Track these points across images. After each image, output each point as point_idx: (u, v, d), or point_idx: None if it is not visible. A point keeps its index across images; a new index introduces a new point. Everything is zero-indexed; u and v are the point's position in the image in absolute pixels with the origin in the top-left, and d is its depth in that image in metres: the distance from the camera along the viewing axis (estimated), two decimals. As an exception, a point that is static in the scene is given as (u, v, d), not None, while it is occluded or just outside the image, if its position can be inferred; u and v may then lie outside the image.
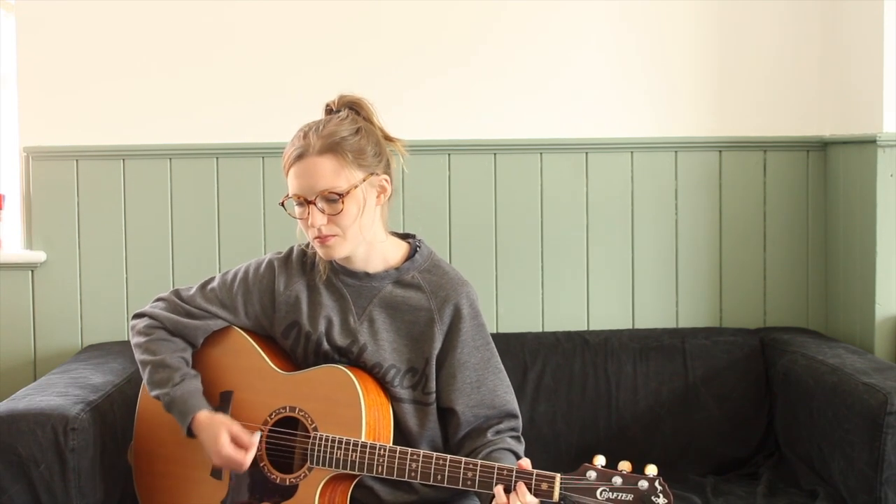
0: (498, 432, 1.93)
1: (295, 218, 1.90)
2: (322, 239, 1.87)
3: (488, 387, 1.95)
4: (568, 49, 2.74)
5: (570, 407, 2.55)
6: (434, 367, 1.94)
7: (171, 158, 2.70)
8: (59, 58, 2.68)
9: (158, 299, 2.05)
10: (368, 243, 1.94)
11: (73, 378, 2.22)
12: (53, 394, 2.07)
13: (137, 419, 2.05)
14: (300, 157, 1.86)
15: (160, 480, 2.01)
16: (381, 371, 1.94)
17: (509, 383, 1.99)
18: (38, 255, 2.68)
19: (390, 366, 1.94)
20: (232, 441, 1.88)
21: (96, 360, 2.41)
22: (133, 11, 2.68)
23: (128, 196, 2.70)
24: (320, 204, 1.85)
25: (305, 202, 1.86)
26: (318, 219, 1.85)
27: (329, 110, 1.96)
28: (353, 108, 1.94)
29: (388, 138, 1.97)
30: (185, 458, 1.97)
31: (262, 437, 1.91)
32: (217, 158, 2.71)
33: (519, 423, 1.98)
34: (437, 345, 1.94)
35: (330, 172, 1.84)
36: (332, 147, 1.85)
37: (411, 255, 1.99)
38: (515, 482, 1.72)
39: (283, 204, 1.93)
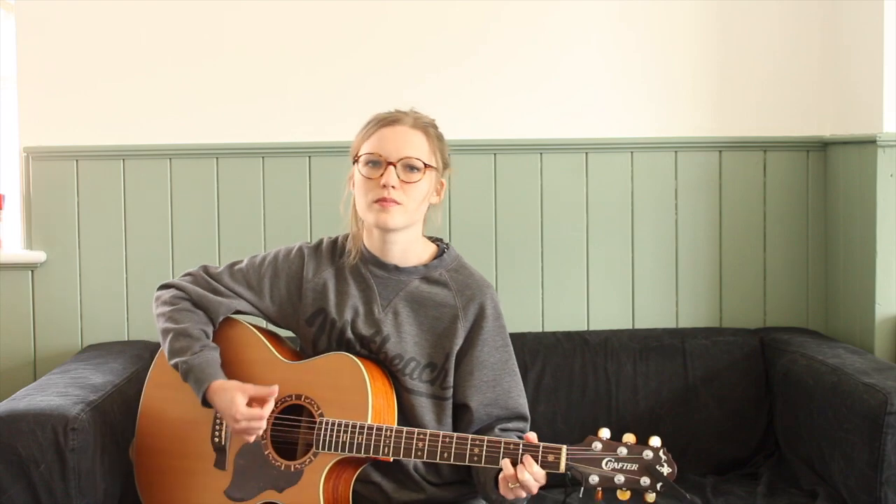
0: (504, 429, 1.96)
1: (363, 177, 1.92)
2: (385, 202, 1.90)
3: (503, 387, 1.98)
4: (568, 49, 2.74)
5: (570, 407, 2.55)
6: (453, 362, 1.97)
7: (171, 158, 2.70)
8: (59, 58, 2.68)
9: (186, 274, 2.08)
10: (411, 234, 1.99)
11: (73, 378, 2.22)
12: (53, 394, 2.08)
13: (140, 415, 2.06)
14: (394, 122, 1.95)
15: (162, 476, 2.02)
16: (402, 363, 1.97)
17: (523, 387, 2.03)
18: (38, 255, 2.68)
19: (410, 358, 1.97)
20: (249, 402, 1.88)
21: (96, 360, 2.41)
22: (133, 12, 2.68)
23: (128, 196, 2.70)
24: (399, 169, 1.91)
25: (385, 163, 1.91)
26: (394, 179, 1.90)
27: None
28: None
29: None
30: (187, 451, 1.98)
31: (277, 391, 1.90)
32: (217, 158, 2.71)
33: (527, 426, 2.00)
34: (459, 341, 1.97)
35: (420, 144, 1.94)
36: (425, 128, 1.97)
37: (439, 255, 2.04)
38: (522, 454, 1.75)
39: (355, 161, 1.96)
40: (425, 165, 1.92)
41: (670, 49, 2.75)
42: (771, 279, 2.79)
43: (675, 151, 2.76)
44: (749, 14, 2.75)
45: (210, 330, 2.00)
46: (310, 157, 2.70)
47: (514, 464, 1.75)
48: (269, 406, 1.88)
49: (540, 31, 2.73)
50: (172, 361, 1.95)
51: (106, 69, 2.69)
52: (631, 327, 2.76)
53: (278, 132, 2.71)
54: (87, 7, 2.67)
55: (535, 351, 2.58)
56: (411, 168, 1.92)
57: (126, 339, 2.69)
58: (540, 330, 2.74)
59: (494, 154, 2.74)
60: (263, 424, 1.87)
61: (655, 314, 2.77)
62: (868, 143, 2.54)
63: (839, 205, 2.70)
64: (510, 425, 1.97)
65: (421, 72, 2.71)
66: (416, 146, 1.93)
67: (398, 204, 1.91)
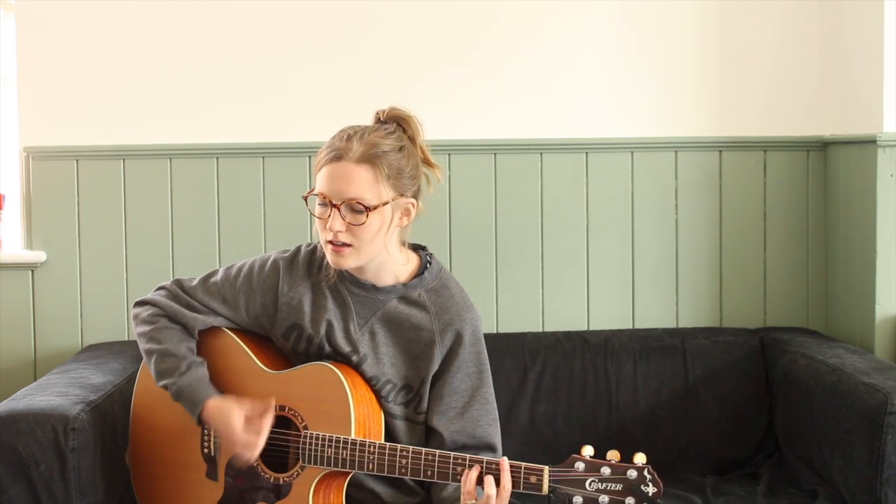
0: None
1: (314, 216, 1.88)
2: (336, 248, 1.86)
3: (472, 416, 1.94)
4: (568, 49, 2.74)
5: (570, 407, 2.55)
6: (428, 387, 1.94)
7: (171, 158, 2.70)
8: (59, 58, 2.68)
9: (160, 288, 2.05)
10: (381, 260, 1.92)
11: (73, 378, 2.22)
12: (53, 394, 2.07)
13: (132, 423, 2.06)
14: (337, 158, 1.83)
15: (157, 483, 2.02)
16: (378, 385, 1.94)
17: (496, 416, 1.98)
18: (38, 255, 2.67)
19: (387, 380, 1.94)
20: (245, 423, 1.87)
21: (96, 360, 2.41)
22: (133, 12, 2.68)
23: (128, 196, 2.70)
24: (344, 211, 1.83)
25: (330, 204, 1.83)
26: (338, 224, 1.82)
27: (377, 119, 1.94)
28: (400, 123, 1.92)
29: (427, 162, 1.95)
30: (180, 460, 1.98)
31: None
32: (217, 158, 2.71)
33: (496, 456, 1.95)
34: (435, 367, 1.94)
35: (363, 183, 1.82)
36: (372, 158, 1.83)
37: (420, 272, 1.97)
38: (498, 475, 1.73)
39: (305, 198, 1.91)
40: (367, 208, 1.82)
41: (670, 49, 2.75)
42: (771, 279, 2.79)
43: (675, 151, 2.76)
44: (749, 14, 2.75)
45: (192, 345, 1.98)
46: (310, 157, 2.70)
47: (497, 483, 1.73)
48: (268, 421, 1.86)
49: (540, 32, 2.73)
50: (161, 383, 1.93)
51: (106, 69, 2.69)
52: (631, 327, 2.76)
53: (278, 132, 2.71)
54: (87, 7, 2.67)
55: (535, 351, 2.58)
56: (356, 210, 1.82)
57: (126, 339, 2.69)
58: (540, 330, 2.73)
59: (494, 154, 2.73)
60: (261, 443, 1.85)
61: (655, 314, 2.77)
62: (868, 143, 2.54)
63: (839, 205, 2.70)
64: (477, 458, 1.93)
65: (421, 72, 2.71)
66: (360, 185, 1.81)
67: (349, 246, 1.85)
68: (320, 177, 1.86)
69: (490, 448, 1.95)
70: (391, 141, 1.86)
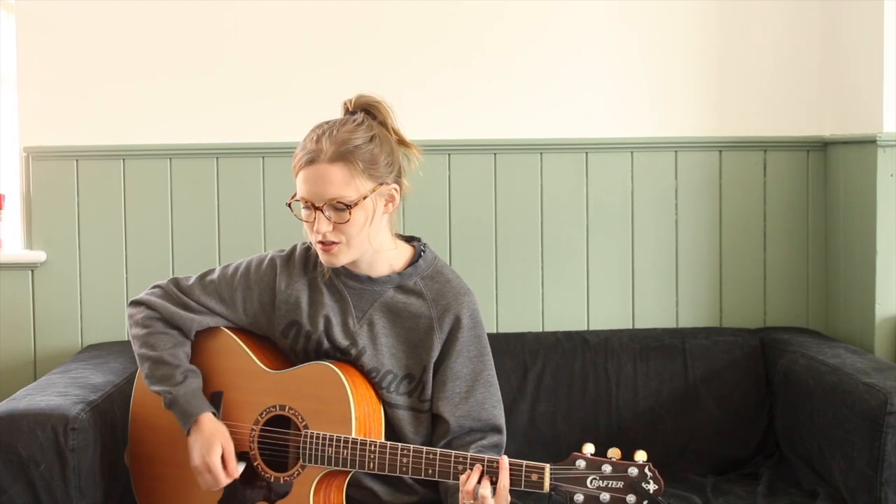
0: (480, 449, 1.92)
1: (301, 220, 1.90)
2: (326, 247, 1.87)
3: (476, 399, 1.95)
4: (568, 49, 2.74)
5: (570, 407, 2.55)
6: (431, 374, 1.94)
7: (171, 158, 2.70)
8: (59, 58, 2.68)
9: (156, 286, 2.04)
10: (374, 250, 1.93)
11: (73, 378, 2.22)
12: (53, 394, 2.07)
13: (131, 422, 2.06)
14: (311, 162, 1.85)
15: (157, 483, 2.02)
16: (378, 376, 1.94)
17: (499, 397, 1.99)
18: (38, 255, 2.67)
19: (387, 371, 1.94)
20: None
21: (96, 360, 2.41)
22: (134, 12, 2.68)
23: (128, 196, 2.70)
24: (328, 212, 1.84)
25: (313, 207, 1.85)
26: (324, 226, 1.84)
27: (346, 110, 1.95)
28: (369, 110, 1.93)
29: (402, 143, 1.96)
30: (180, 459, 1.97)
31: (244, 467, 1.92)
32: (217, 158, 2.71)
33: (502, 437, 1.97)
34: (435, 353, 1.94)
35: (340, 181, 1.83)
36: (344, 155, 1.84)
37: (415, 261, 1.98)
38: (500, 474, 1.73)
39: (289, 205, 1.92)
40: (349, 206, 1.83)
41: (670, 49, 2.75)
42: (771, 279, 2.79)
43: (675, 151, 2.76)
44: (749, 14, 2.75)
45: (187, 349, 1.98)
46: (310, 157, 2.70)
47: (493, 482, 1.73)
48: (229, 480, 1.88)
49: (541, 32, 2.73)
50: (155, 390, 1.94)
51: (106, 69, 2.69)
52: (631, 327, 2.76)
53: (278, 132, 2.71)
54: (87, 7, 2.67)
55: (535, 351, 2.58)
56: (338, 209, 1.84)
57: (126, 339, 2.69)
58: (540, 330, 2.73)
59: (494, 154, 2.73)
60: (218, 486, 1.88)
61: (655, 314, 2.77)
62: (868, 143, 2.54)
63: (839, 205, 2.70)
64: (485, 441, 1.94)
65: (422, 72, 2.71)
66: (337, 184, 1.83)
67: (337, 244, 1.87)
68: (299, 182, 1.88)
69: (496, 430, 1.96)
70: (361, 133, 1.87)
